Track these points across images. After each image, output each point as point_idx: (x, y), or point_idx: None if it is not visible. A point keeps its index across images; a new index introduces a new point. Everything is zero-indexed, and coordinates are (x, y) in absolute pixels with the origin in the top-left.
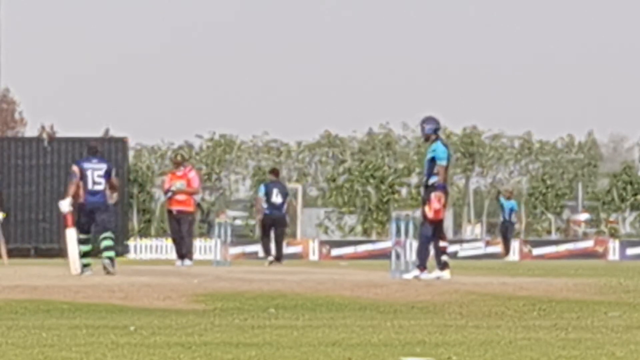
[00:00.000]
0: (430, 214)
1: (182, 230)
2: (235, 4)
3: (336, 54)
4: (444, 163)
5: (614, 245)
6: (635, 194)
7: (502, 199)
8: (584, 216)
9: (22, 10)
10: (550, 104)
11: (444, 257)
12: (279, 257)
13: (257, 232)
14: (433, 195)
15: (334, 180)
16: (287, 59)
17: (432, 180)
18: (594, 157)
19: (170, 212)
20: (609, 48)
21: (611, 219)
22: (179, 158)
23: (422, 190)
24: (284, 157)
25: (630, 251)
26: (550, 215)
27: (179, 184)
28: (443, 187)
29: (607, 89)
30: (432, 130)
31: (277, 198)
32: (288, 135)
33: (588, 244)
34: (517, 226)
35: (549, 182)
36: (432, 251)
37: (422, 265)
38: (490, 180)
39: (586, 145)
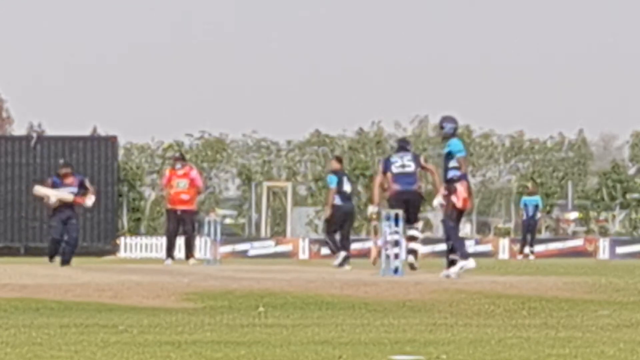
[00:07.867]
0: (459, 203)
1: (186, 230)
2: (226, 3)
3: (326, 53)
4: (463, 154)
5: (603, 243)
6: (625, 193)
7: (523, 198)
8: (573, 215)
9: (8, 8)
10: (541, 102)
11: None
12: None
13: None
14: (459, 184)
15: (323, 179)
16: (276, 57)
17: (452, 174)
18: (584, 155)
19: (172, 211)
20: (600, 47)
21: (601, 217)
22: (177, 154)
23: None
24: (274, 155)
25: (620, 250)
26: (539, 214)
27: (182, 185)
28: (465, 177)
29: (598, 88)
30: (452, 130)
31: (347, 187)
32: (278, 134)
33: (578, 242)
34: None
35: (539, 181)
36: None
37: (464, 255)
38: (480, 179)
39: (576, 143)
